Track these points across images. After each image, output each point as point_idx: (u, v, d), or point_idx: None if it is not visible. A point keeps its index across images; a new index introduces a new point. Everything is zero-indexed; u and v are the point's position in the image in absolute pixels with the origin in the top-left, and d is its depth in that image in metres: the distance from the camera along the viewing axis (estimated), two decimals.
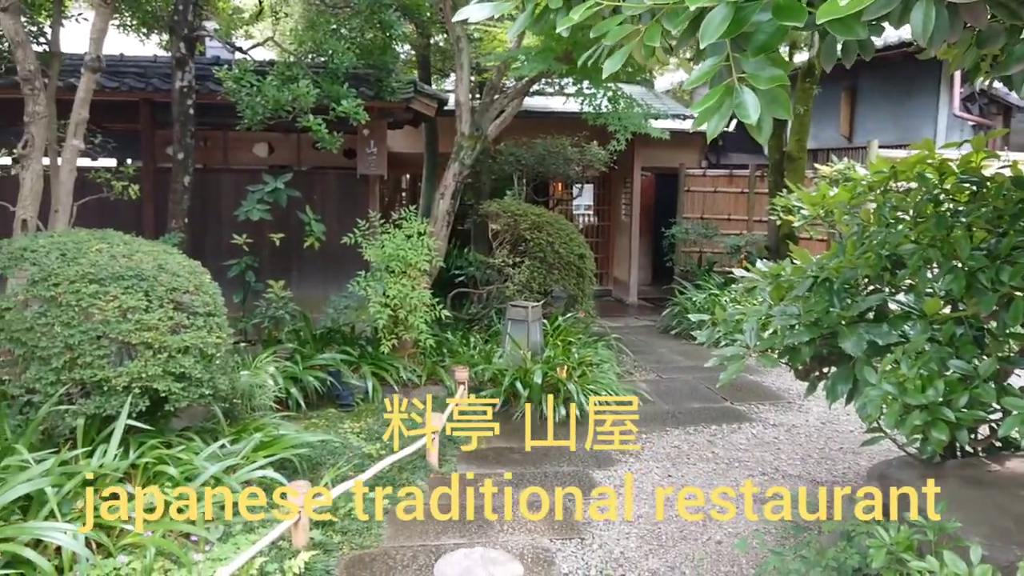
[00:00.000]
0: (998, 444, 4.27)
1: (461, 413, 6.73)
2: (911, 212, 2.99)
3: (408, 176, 15.46)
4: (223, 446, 4.90)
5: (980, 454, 4.49)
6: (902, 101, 11.83)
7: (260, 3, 8.98)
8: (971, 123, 11.48)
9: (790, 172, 10.81)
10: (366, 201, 8.84)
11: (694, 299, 10.75)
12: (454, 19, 1.77)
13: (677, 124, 12.51)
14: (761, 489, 5.43)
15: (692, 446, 6.37)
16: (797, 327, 3.35)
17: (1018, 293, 2.35)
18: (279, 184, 7.55)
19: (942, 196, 2.92)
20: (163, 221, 7.85)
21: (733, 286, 10.43)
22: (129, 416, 4.54)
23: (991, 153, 2.90)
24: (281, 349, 7.13)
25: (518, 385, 7.05)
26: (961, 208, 2.78)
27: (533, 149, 10.70)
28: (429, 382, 7.52)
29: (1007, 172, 2.81)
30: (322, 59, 7.52)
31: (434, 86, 11.54)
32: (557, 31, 1.50)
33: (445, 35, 10.41)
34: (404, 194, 15.62)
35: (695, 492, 5.35)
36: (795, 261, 3.84)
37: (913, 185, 3.05)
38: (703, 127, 1.39)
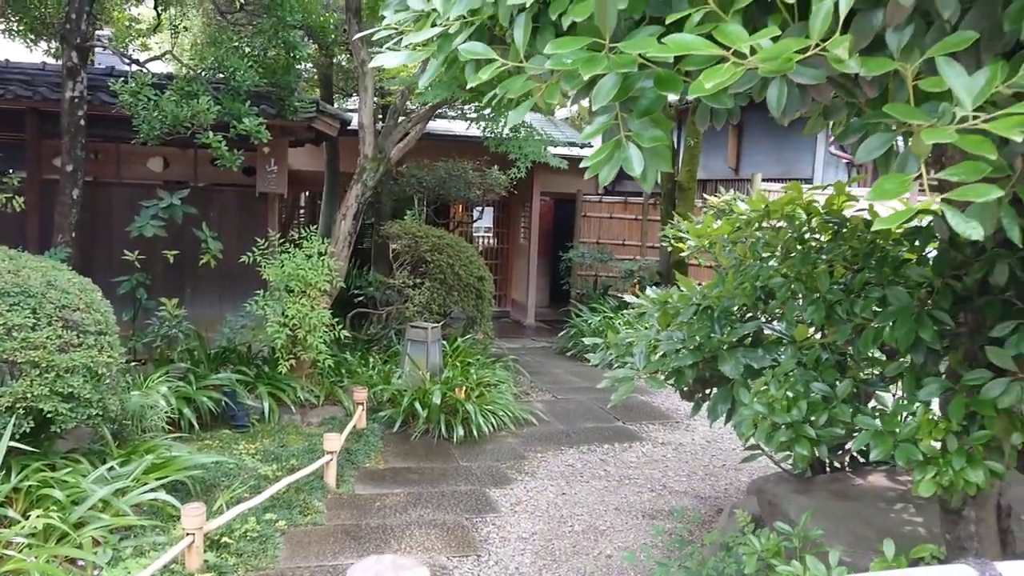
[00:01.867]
0: (863, 460, 4.66)
1: (360, 433, 6.77)
2: (780, 248, 3.29)
3: (307, 194, 15.29)
4: (112, 468, 4.78)
5: (847, 470, 4.89)
6: (784, 137, 12.60)
7: (158, 15, 8.78)
8: (845, 161, 12.33)
9: (681, 201, 11.33)
10: (265, 219, 8.75)
11: (589, 322, 11.07)
12: (372, 64, 1.89)
13: (575, 151, 12.91)
14: (650, 505, 5.69)
15: (585, 464, 6.59)
16: (682, 351, 3.60)
17: (871, 323, 2.64)
18: (175, 200, 7.40)
19: (808, 234, 3.23)
20: (48, 235, 7.54)
21: (626, 310, 10.83)
22: (12, 438, 4.38)
23: (850, 196, 3.24)
24: (174, 369, 6.97)
25: (417, 405, 7.13)
26: (823, 246, 3.09)
27: (435, 171, 10.84)
28: (327, 402, 7.50)
29: (864, 214, 3.15)
30: (222, 75, 7.43)
31: (336, 105, 11.52)
32: (467, 86, 1.65)
33: (348, 55, 10.44)
34: (303, 212, 15.43)
35: (588, 509, 5.56)
36: (681, 289, 4.11)
37: (783, 224, 3.35)
38: (595, 173, 1.56)
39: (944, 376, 2.63)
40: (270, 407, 7.00)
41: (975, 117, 1.23)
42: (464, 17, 1.65)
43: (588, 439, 7.31)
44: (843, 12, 1.21)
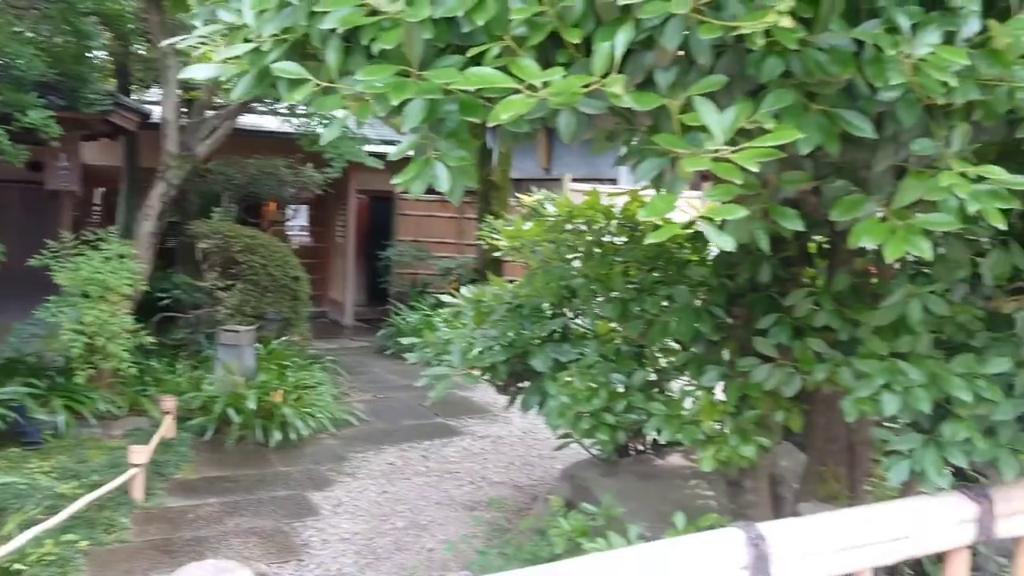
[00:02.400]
0: (664, 443, 5.07)
1: (168, 443, 6.46)
2: (582, 250, 3.56)
3: (103, 191, 14.22)
4: None
5: (650, 452, 5.31)
6: (590, 141, 13.28)
7: None
8: None
9: (496, 200, 11.67)
10: (56, 219, 8.11)
11: (408, 320, 11.14)
12: (182, 76, 1.88)
13: (391, 150, 12.91)
14: (470, 497, 5.88)
15: (407, 462, 6.68)
16: (495, 347, 3.79)
17: (659, 319, 2.94)
18: None
19: (607, 237, 3.51)
20: None
21: (445, 308, 11.00)
22: None
23: (643, 202, 3.55)
24: None
25: (231, 412, 6.90)
26: (620, 248, 3.38)
27: (245, 169, 10.47)
28: (132, 413, 7.09)
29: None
30: (1, 63, 6.81)
31: (135, 97, 10.83)
32: (282, 102, 1.70)
33: (147, 45, 9.85)
34: (98, 210, 14.34)
35: (409, 505, 5.66)
36: (495, 288, 4.30)
37: (585, 228, 3.62)
38: (406, 187, 1.67)
39: (724, 364, 2.98)
40: (66, 420, 6.52)
41: (730, 146, 1.45)
42: (277, 35, 1.70)
43: (409, 437, 7.40)
44: (618, 55, 1.39)
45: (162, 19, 7.43)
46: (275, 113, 10.06)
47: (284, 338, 8.85)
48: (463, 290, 4.51)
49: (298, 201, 12.58)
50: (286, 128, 10.36)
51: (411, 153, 1.75)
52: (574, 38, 1.47)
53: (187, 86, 8.66)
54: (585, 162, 13.69)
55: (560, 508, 3.80)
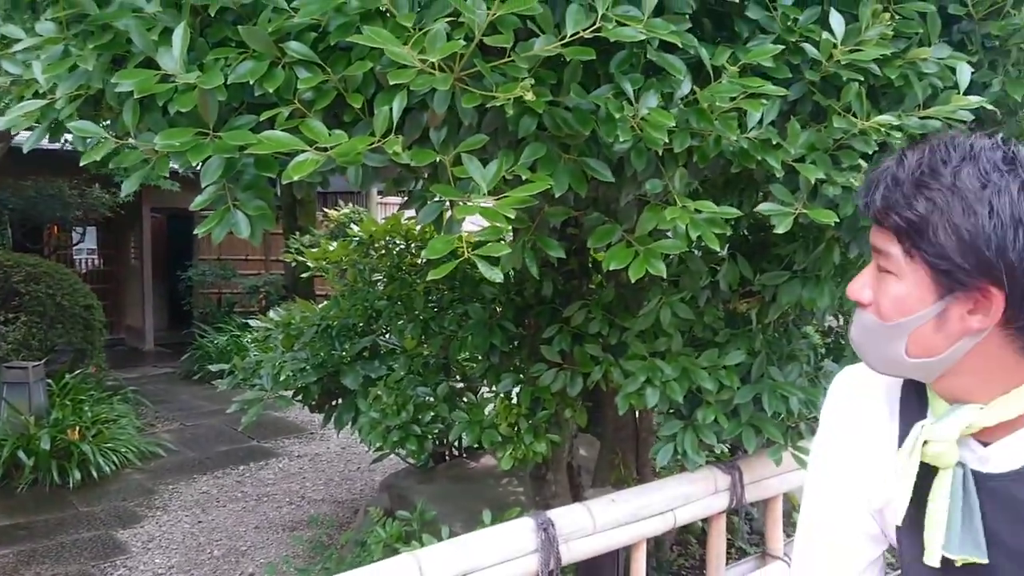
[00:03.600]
0: (476, 446, 5.35)
1: None
2: (384, 273, 3.76)
3: None
4: None
5: (464, 456, 5.59)
6: None
7: None
8: None
9: (302, 214, 11.56)
10: None
11: (215, 342, 10.79)
12: None
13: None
14: (290, 518, 5.89)
15: (221, 489, 6.56)
16: (307, 369, 3.90)
17: (457, 335, 3.21)
18: None
19: (409, 257, 3.74)
20: None
21: (254, 329, 10.75)
22: None
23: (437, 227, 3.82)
24: None
25: (21, 454, 6.45)
26: (418, 270, 3.62)
27: (23, 192, 9.72)
28: None
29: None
30: None
31: None
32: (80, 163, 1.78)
33: None
34: None
35: (227, 532, 5.59)
36: (301, 311, 4.40)
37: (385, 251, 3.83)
38: (207, 233, 1.81)
39: (517, 371, 3.30)
40: None
41: (493, 195, 1.72)
42: (70, 93, 1.77)
43: (222, 463, 7.25)
44: (396, 117, 1.62)
45: None
46: None
47: (78, 371, 8.32)
48: (271, 313, 4.57)
49: (85, 223, 11.80)
50: (68, 148, 9.73)
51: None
52: (356, 103, 1.68)
53: None
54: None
55: (379, 518, 3.98)
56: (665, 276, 2.03)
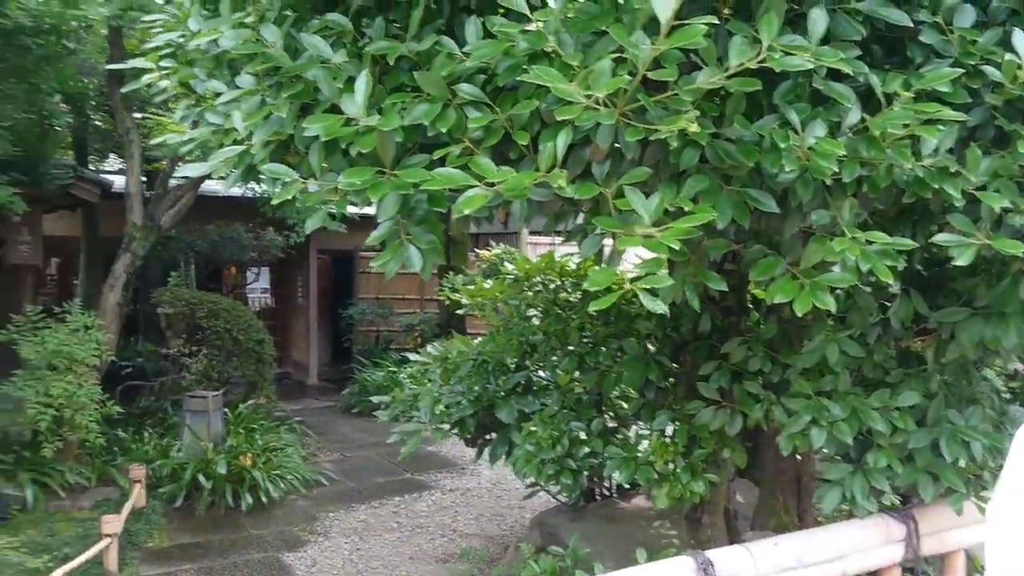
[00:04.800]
0: (628, 487, 5.28)
1: (139, 512, 6.49)
2: (540, 309, 3.83)
3: (57, 261, 14.18)
4: None
5: (614, 496, 5.52)
6: None
7: None
8: None
9: (455, 255, 11.93)
10: (18, 293, 8.14)
11: (373, 377, 11.25)
12: (178, 174, 2.12)
13: (351, 209, 13.13)
14: (443, 550, 6.01)
15: (378, 519, 6.79)
16: (463, 402, 4.00)
17: (612, 370, 3.21)
18: None
19: (562, 294, 3.79)
20: None
21: (409, 365, 11.14)
22: None
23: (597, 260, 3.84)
24: None
25: (200, 478, 6.95)
26: (572, 306, 3.66)
27: (207, 235, 10.61)
28: (101, 484, 7.10)
29: None
30: None
31: (93, 167, 10.96)
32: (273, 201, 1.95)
33: (106, 118, 10.03)
34: (53, 280, 14.27)
35: (383, 561, 5.77)
36: (459, 346, 4.54)
37: (541, 287, 3.90)
38: (382, 268, 1.92)
39: (673, 408, 3.24)
40: (34, 494, 6.52)
41: (656, 227, 1.73)
42: (264, 139, 1.95)
43: (379, 493, 7.51)
44: (560, 154, 1.67)
45: (125, 96, 7.64)
46: None
47: (251, 401, 8.92)
48: (428, 348, 4.74)
49: (259, 264, 12.70)
50: (247, 193, 10.56)
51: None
52: (523, 140, 1.75)
53: (149, 158, 8.86)
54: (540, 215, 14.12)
55: (531, 554, 3.99)
56: (833, 310, 1.96)
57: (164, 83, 2.27)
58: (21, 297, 8.15)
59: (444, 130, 1.73)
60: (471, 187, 1.65)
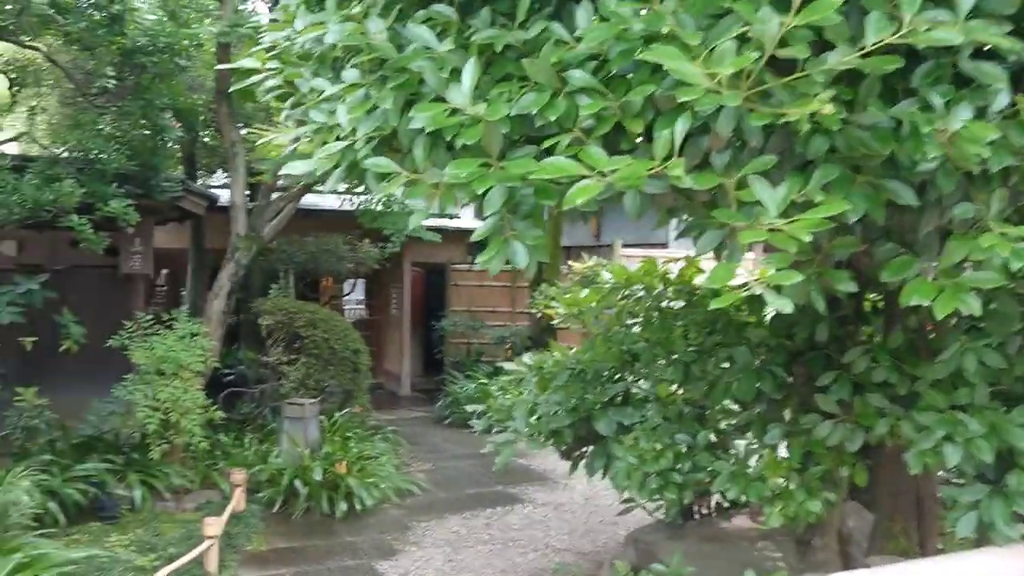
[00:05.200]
0: (727, 506, 5.07)
1: (239, 516, 6.63)
2: (642, 316, 3.69)
3: (167, 272, 14.83)
4: None
5: (714, 515, 5.30)
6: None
7: (12, 96, 8.54)
8: None
9: (547, 268, 11.84)
10: (130, 301, 8.49)
11: (465, 388, 11.28)
12: (283, 171, 2.11)
13: (444, 222, 13.26)
14: (535, 565, 5.90)
15: (470, 530, 6.74)
16: (559, 413, 3.90)
17: (721, 380, 3.04)
18: (34, 285, 7.13)
19: (665, 302, 3.64)
20: None
21: (501, 376, 11.12)
22: None
23: (701, 269, 3.68)
24: (35, 461, 6.62)
25: (297, 484, 7.07)
26: (679, 312, 3.51)
27: (305, 246, 10.88)
28: (203, 487, 7.30)
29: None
30: (83, 155, 7.30)
31: (200, 182, 11.41)
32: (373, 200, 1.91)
33: (213, 134, 10.43)
34: (163, 290, 14.93)
35: (475, 573, 5.70)
36: (555, 355, 4.44)
37: (643, 294, 3.76)
38: (486, 265, 1.85)
39: (785, 422, 3.06)
40: (142, 495, 6.76)
41: (783, 218, 1.60)
42: (368, 134, 1.92)
43: (471, 505, 7.46)
44: (677, 142, 1.56)
45: (230, 110, 7.92)
46: (335, 193, 10.49)
47: (346, 410, 9.04)
48: (524, 357, 4.66)
49: (355, 276, 12.95)
50: (345, 206, 10.80)
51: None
52: (636, 128, 1.65)
53: (252, 171, 9.15)
54: (635, 227, 13.86)
55: (626, 572, 3.84)
56: (978, 314, 1.77)
57: (270, 82, 2.27)
58: (134, 305, 8.50)
59: (553, 118, 1.65)
60: (582, 178, 1.56)
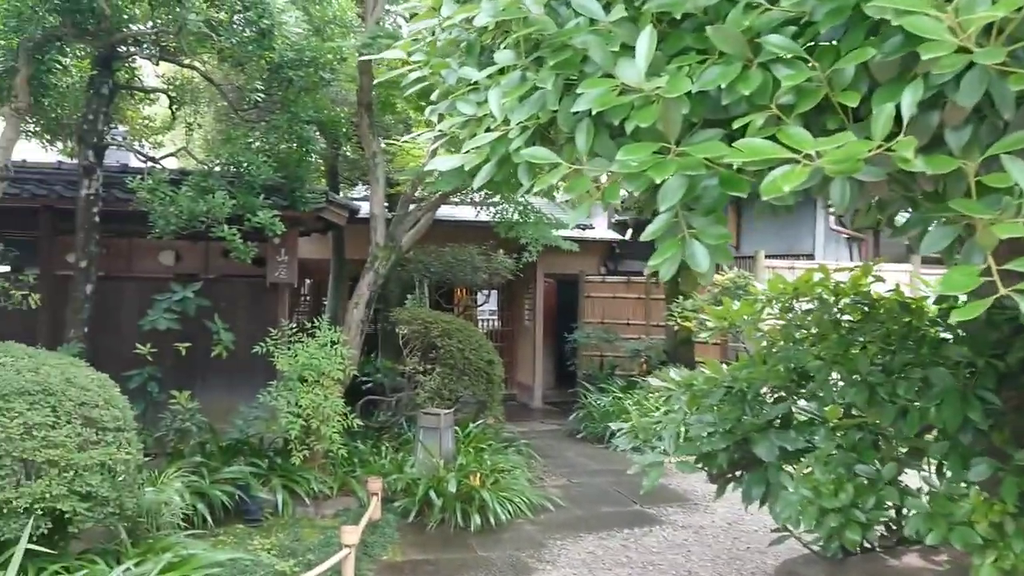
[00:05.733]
0: (894, 540, 4.56)
1: (375, 524, 6.63)
2: (813, 330, 3.32)
3: (310, 281, 15.38)
4: (127, 569, 4.66)
5: (877, 549, 4.80)
6: (784, 215, 12.76)
7: (172, 114, 9.02)
8: (845, 236, 12.49)
9: (685, 279, 11.35)
10: (275, 309, 8.77)
11: (599, 403, 11.00)
12: (428, 166, 1.95)
13: (578, 233, 13.06)
14: None
15: (606, 551, 6.45)
16: (714, 434, 3.58)
17: (915, 405, 2.65)
18: (189, 293, 7.45)
19: (840, 317, 3.26)
20: (59, 330, 7.55)
21: (635, 390, 10.77)
22: (29, 540, 4.30)
23: (878, 277, 3.28)
24: (186, 463, 6.87)
25: (432, 494, 7.01)
26: (855, 327, 3.12)
27: (442, 257, 10.94)
28: (341, 493, 7.38)
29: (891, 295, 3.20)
30: (234, 169, 7.59)
31: (342, 194, 11.73)
32: (533, 188, 1.70)
33: (353, 146, 10.68)
34: (306, 299, 15.49)
35: None
36: (704, 371, 4.11)
37: (808, 305, 3.39)
38: (656, 269, 1.60)
39: (988, 455, 2.63)
40: (284, 500, 6.89)
41: None
42: (521, 123, 1.71)
43: (607, 524, 7.18)
44: (907, 117, 1.27)
45: (371, 122, 8.03)
46: (471, 203, 10.52)
47: (480, 421, 8.97)
48: (671, 372, 4.35)
49: (489, 286, 12.95)
50: (480, 217, 10.81)
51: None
52: (851, 101, 1.37)
53: (391, 182, 9.27)
54: (777, 236, 13.16)
55: None
56: None
57: (414, 75, 2.12)
58: (279, 314, 8.77)
59: (747, 92, 1.39)
60: (784, 163, 1.30)
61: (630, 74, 1.45)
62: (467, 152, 1.85)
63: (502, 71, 1.77)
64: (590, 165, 1.61)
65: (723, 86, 1.41)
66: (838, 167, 1.28)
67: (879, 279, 3.25)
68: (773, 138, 1.37)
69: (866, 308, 3.19)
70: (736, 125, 1.43)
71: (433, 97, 2.17)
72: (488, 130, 1.86)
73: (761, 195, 1.31)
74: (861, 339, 2.97)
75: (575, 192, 1.62)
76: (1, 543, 4.36)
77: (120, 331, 8.27)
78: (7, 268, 7.50)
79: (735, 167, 1.46)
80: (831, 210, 11.90)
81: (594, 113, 1.50)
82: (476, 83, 1.95)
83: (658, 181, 1.40)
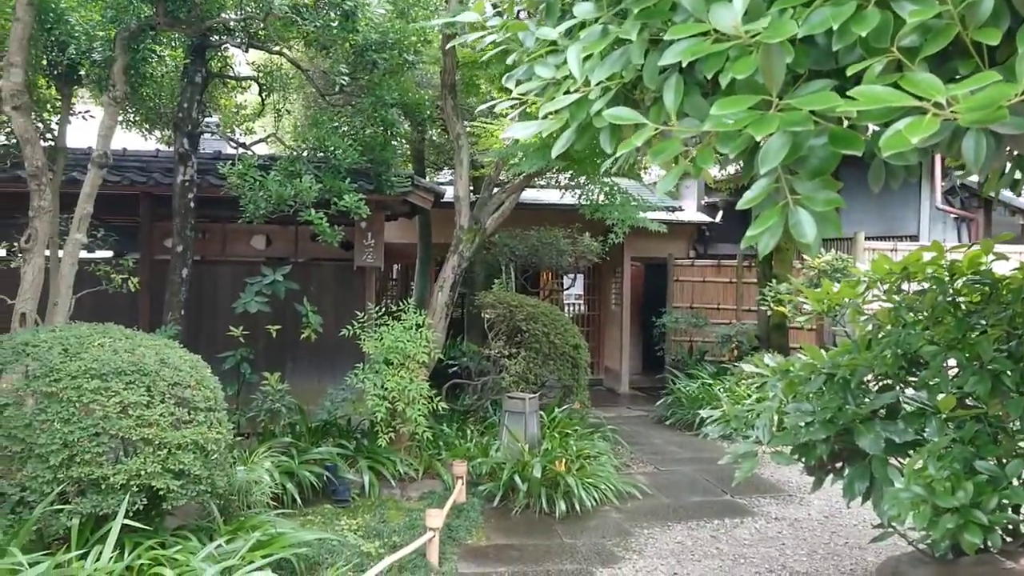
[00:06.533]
0: (1010, 539, 4.22)
1: (460, 508, 6.61)
2: (926, 313, 3.05)
3: (398, 266, 15.55)
4: (219, 546, 4.75)
5: (992, 550, 4.45)
6: (885, 193, 12.11)
7: (262, 101, 9.19)
8: (953, 216, 11.77)
9: (778, 262, 10.97)
10: (363, 293, 8.86)
11: (687, 389, 10.72)
12: (504, 135, 1.82)
13: (666, 215, 12.75)
14: None
15: (696, 541, 6.25)
16: (813, 424, 3.35)
17: None
18: (278, 277, 7.57)
19: (957, 298, 2.98)
20: (158, 312, 7.81)
21: (726, 376, 10.44)
22: (126, 515, 4.42)
23: (1000, 255, 2.97)
24: (276, 443, 7.01)
25: (517, 479, 6.94)
26: (975, 310, 2.84)
27: (527, 240, 10.84)
28: (426, 476, 7.40)
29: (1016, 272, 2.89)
30: (323, 155, 7.67)
31: (428, 179, 11.76)
32: (613, 152, 1.56)
33: (440, 131, 10.67)
34: (395, 284, 15.68)
35: None
36: (802, 356, 3.87)
37: (920, 285, 3.11)
38: (754, 242, 1.43)
39: None
40: (370, 481, 6.95)
41: None
42: (602, 82, 1.57)
43: (696, 514, 6.96)
44: None
45: (455, 104, 7.96)
46: (556, 186, 10.37)
47: (565, 406, 8.85)
48: (766, 358, 4.12)
49: (574, 270, 12.79)
50: (565, 200, 10.64)
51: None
52: (990, 39, 1.17)
53: (475, 164, 9.20)
54: (878, 217, 12.50)
55: None
56: None
57: (490, 38, 2.00)
58: (366, 297, 8.86)
59: (862, 35, 1.20)
60: (908, 112, 1.11)
61: (726, 19, 1.29)
62: (545, 117, 1.71)
63: (582, 26, 1.62)
64: (680, 123, 1.45)
65: (834, 28, 1.23)
66: (975, 115, 1.09)
67: (1002, 257, 2.95)
68: (895, 86, 1.18)
69: (987, 289, 2.90)
70: (850, 73, 1.25)
71: (509, 61, 2.04)
72: (568, 93, 1.72)
73: (880, 151, 1.13)
74: (983, 323, 2.70)
75: (663, 157, 1.46)
76: (100, 518, 4.50)
77: (215, 314, 8.51)
78: (109, 253, 7.78)
79: (846, 124, 1.27)
80: (941, 184, 11.21)
81: (684, 66, 1.34)
82: (555, 44, 1.81)
83: (758, 139, 1.24)
